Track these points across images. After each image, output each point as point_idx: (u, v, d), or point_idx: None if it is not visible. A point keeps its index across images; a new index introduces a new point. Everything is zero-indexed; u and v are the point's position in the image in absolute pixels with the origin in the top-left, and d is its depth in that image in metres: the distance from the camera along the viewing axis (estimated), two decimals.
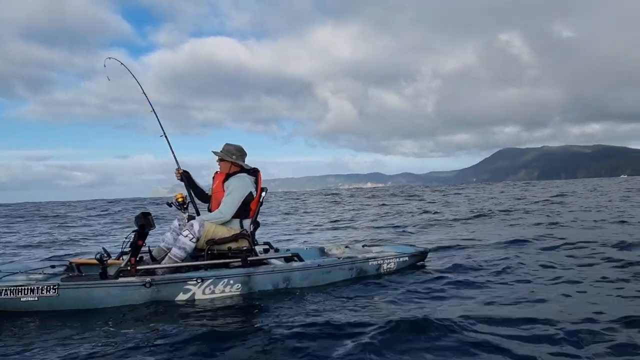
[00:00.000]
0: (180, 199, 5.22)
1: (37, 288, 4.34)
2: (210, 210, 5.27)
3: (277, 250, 5.62)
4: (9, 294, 4.32)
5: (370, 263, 5.51)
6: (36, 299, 4.32)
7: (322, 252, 6.07)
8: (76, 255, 8.09)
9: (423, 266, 6.02)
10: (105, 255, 4.74)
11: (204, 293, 4.66)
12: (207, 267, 4.84)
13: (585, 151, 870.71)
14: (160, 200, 48.42)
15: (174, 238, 5.17)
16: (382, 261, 5.62)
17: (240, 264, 4.92)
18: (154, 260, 5.05)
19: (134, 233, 4.94)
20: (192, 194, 5.41)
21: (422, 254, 6.13)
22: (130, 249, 4.91)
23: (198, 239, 4.78)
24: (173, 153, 5.52)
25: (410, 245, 6.54)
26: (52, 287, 4.36)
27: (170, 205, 5.28)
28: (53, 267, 4.85)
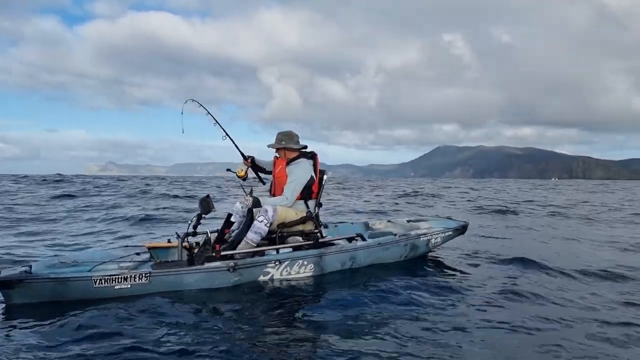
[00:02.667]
0: (242, 174, 5.34)
1: (130, 277, 4.42)
2: (273, 195, 5.45)
3: (326, 226, 5.92)
4: (103, 283, 4.36)
5: (421, 239, 5.90)
6: (129, 286, 4.41)
7: (366, 226, 6.45)
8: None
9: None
10: (185, 239, 4.93)
11: (281, 274, 4.91)
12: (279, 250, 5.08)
13: (517, 153, 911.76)
14: (87, 177, 47.15)
15: (238, 221, 5.36)
16: (430, 236, 5.99)
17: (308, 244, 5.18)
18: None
19: (196, 216, 5.13)
20: (260, 178, 5.70)
21: (463, 228, 6.47)
22: (193, 230, 5.12)
23: (272, 223, 4.99)
24: (238, 148, 5.64)
25: (451, 219, 6.84)
26: (144, 275, 4.46)
27: (229, 171, 5.45)
28: (138, 254, 4.95)
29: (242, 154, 5.63)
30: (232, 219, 5.38)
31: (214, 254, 4.73)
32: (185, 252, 4.88)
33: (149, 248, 5.14)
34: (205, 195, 5.24)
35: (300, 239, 5.20)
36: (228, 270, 4.65)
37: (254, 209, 5.12)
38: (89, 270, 4.41)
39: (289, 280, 4.91)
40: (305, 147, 5.46)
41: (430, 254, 6.21)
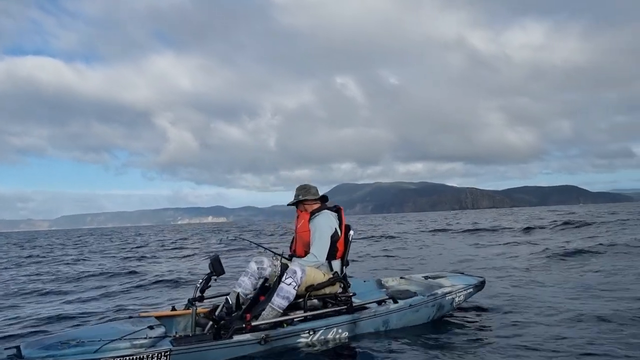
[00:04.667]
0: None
1: (148, 356, 3.69)
2: (295, 252, 4.95)
3: None
4: None
5: (447, 298, 5.40)
6: None
7: (379, 284, 5.91)
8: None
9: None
10: (193, 304, 4.27)
11: (315, 345, 4.33)
12: (309, 317, 4.51)
13: (411, 187, 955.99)
14: None
15: (252, 283, 4.79)
16: (455, 295, 5.49)
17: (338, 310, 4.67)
18: (238, 309, 4.61)
19: (205, 278, 4.51)
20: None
21: (482, 284, 5.95)
22: (200, 294, 4.51)
23: (299, 286, 4.44)
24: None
25: (467, 275, 6.30)
26: (164, 353, 3.75)
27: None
28: (151, 327, 4.08)
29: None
30: (247, 280, 4.78)
31: (244, 325, 4.13)
32: (206, 321, 4.34)
33: (158, 318, 4.36)
34: (215, 255, 4.62)
35: (316, 301, 4.67)
36: (259, 342, 4.06)
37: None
38: (96, 351, 3.60)
39: (325, 351, 4.32)
40: (326, 197, 5.05)
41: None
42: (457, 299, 5.52)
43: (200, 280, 4.52)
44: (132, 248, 23.90)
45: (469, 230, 23.07)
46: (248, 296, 4.75)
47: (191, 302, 4.37)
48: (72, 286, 10.12)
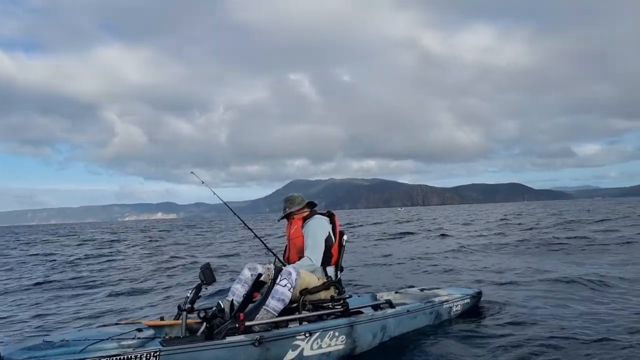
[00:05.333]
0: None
1: (136, 357, 3.53)
2: (288, 259, 4.89)
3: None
4: None
5: (444, 306, 5.47)
6: None
7: (374, 299, 5.78)
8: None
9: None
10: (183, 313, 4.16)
11: (312, 348, 4.24)
12: (304, 320, 4.45)
13: (364, 184, 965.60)
14: None
15: (246, 290, 4.69)
16: (452, 304, 5.56)
17: (333, 314, 4.61)
18: (231, 315, 4.48)
19: (195, 288, 4.36)
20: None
21: (478, 295, 6.06)
22: (190, 305, 4.29)
23: (294, 288, 4.39)
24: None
25: (463, 287, 6.37)
26: (152, 354, 3.58)
27: None
28: (140, 330, 3.87)
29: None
30: (240, 287, 4.68)
31: (237, 325, 4.01)
32: (198, 327, 4.20)
33: (149, 326, 4.17)
34: (205, 263, 4.48)
35: (311, 307, 4.57)
36: (253, 344, 3.93)
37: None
38: (81, 351, 3.40)
39: (321, 357, 4.30)
40: (313, 203, 5.02)
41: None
42: (454, 309, 5.59)
43: (190, 291, 4.33)
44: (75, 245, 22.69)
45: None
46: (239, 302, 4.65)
47: (181, 310, 4.22)
48: None
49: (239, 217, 6.02)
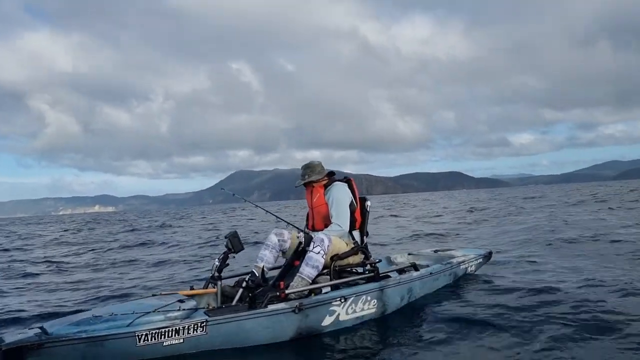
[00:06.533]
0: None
1: (184, 328, 3.54)
2: (313, 227, 4.84)
3: None
4: (149, 339, 3.41)
5: (461, 267, 5.79)
6: (181, 341, 3.54)
7: (388, 261, 5.98)
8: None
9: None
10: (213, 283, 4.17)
11: (347, 313, 4.30)
12: (336, 286, 4.45)
13: None
14: None
15: (274, 256, 4.68)
16: (467, 264, 5.91)
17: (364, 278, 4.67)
18: (265, 282, 4.47)
19: (222, 256, 4.27)
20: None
21: (490, 254, 6.47)
22: (218, 273, 4.20)
23: (326, 254, 4.36)
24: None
25: (475, 247, 6.89)
26: (199, 324, 3.60)
27: None
28: (182, 301, 3.81)
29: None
30: (268, 253, 4.62)
31: (278, 294, 4.01)
32: (233, 293, 4.19)
33: (188, 296, 4.08)
34: (233, 231, 4.38)
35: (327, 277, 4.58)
36: (293, 311, 3.96)
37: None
38: (129, 325, 3.39)
39: (356, 322, 4.38)
40: (333, 172, 4.96)
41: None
42: (469, 269, 5.97)
43: (217, 259, 4.26)
44: None
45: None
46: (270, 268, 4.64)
47: (214, 279, 4.15)
48: None
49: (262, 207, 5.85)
